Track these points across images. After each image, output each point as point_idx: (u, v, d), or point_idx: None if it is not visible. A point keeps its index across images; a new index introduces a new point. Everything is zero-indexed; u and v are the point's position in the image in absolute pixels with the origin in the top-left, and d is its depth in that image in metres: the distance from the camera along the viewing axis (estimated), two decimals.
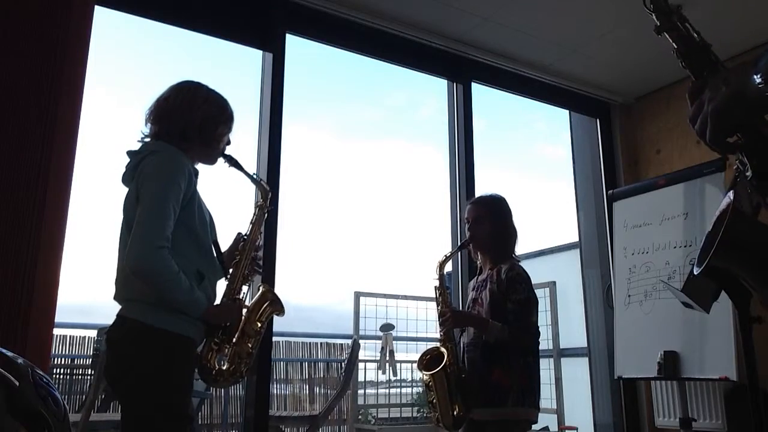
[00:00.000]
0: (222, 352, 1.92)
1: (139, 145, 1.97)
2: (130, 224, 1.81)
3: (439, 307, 2.54)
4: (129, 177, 1.91)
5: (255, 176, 2.15)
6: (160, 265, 1.72)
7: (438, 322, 2.55)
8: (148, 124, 1.98)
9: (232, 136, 2.09)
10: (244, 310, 2.01)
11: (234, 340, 1.94)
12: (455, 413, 2.38)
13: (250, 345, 1.97)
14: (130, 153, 1.94)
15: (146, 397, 1.72)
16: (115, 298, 1.86)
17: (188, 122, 1.92)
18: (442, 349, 2.46)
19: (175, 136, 1.91)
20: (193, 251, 1.85)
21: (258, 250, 2.09)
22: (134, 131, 1.99)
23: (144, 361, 1.73)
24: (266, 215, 2.14)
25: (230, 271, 2.02)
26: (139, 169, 1.86)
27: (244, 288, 2.03)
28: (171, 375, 1.74)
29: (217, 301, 1.97)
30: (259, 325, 2.01)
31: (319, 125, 7.76)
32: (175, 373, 1.75)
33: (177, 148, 1.90)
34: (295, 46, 3.30)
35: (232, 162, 2.06)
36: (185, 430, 1.75)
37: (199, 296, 1.81)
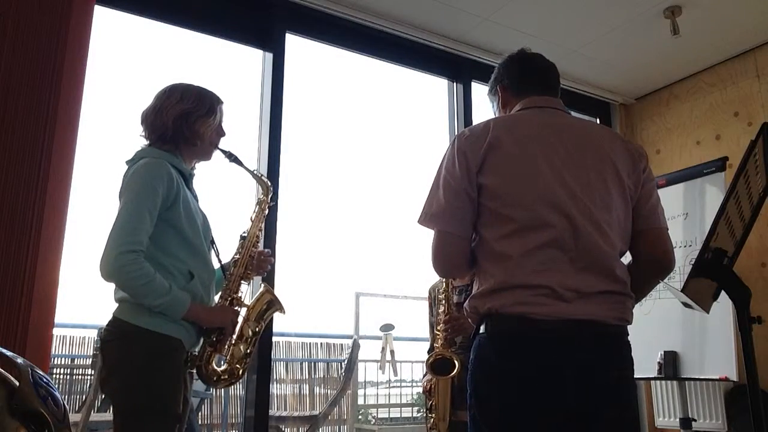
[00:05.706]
0: (220, 352, 1.90)
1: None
2: None
3: (443, 309, 2.47)
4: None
5: (255, 171, 2.13)
6: (124, 269, 1.70)
7: (443, 325, 2.45)
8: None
9: (228, 127, 2.05)
10: (244, 310, 1.98)
11: (232, 341, 1.92)
12: (453, 419, 2.37)
13: (246, 346, 1.95)
14: (127, 162, 1.93)
15: (129, 398, 1.72)
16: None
17: (163, 124, 1.91)
18: (456, 360, 2.36)
19: (156, 140, 1.92)
20: (184, 252, 1.83)
21: (264, 253, 2.06)
22: (133, 132, 1.99)
23: (127, 361, 1.73)
24: (267, 211, 2.12)
25: (231, 270, 1.99)
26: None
27: (243, 287, 2.00)
28: (154, 375, 1.73)
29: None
30: (256, 326, 1.98)
31: (319, 125, 7.76)
32: (157, 373, 1.74)
33: (162, 151, 1.89)
34: (295, 46, 3.31)
35: (232, 158, 2.04)
36: (172, 430, 1.74)
37: (177, 296, 1.76)
